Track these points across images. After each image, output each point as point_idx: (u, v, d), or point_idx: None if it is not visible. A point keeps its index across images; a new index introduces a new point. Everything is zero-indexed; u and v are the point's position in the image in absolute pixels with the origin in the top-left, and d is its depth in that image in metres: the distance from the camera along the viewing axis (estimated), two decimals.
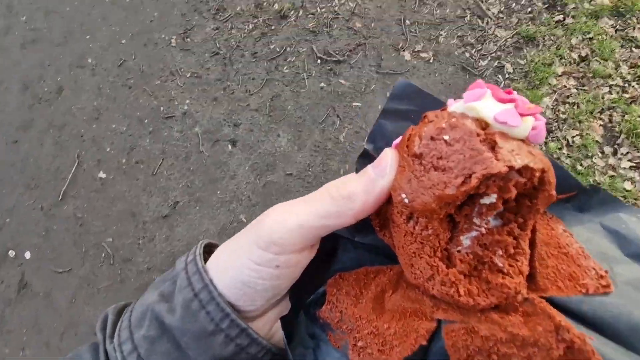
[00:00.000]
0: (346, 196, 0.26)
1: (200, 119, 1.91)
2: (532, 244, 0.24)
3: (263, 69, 2.00)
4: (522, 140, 0.23)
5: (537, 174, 0.21)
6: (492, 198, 0.22)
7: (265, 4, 2.17)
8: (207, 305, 0.27)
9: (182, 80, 2.02)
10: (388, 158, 0.25)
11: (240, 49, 2.07)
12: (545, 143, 1.76)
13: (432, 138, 0.23)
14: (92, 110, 2.02)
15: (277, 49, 2.04)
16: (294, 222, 0.26)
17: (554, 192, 0.22)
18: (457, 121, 0.23)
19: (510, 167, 0.20)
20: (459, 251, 0.24)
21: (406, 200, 0.23)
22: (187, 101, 1.97)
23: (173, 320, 0.27)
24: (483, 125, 0.23)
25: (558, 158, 1.76)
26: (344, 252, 0.32)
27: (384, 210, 0.27)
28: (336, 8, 2.14)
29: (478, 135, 0.21)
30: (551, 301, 0.22)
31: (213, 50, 2.07)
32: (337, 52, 2.02)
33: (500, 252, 0.23)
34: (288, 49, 2.04)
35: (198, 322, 0.27)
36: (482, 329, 0.22)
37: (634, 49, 1.98)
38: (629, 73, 1.89)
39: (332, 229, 0.27)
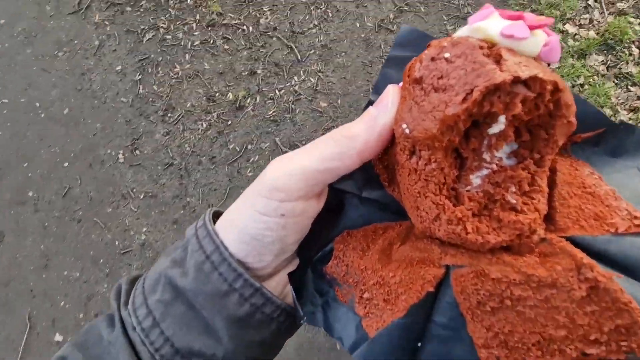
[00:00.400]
0: (348, 136, 0.25)
1: (161, 249, 1.67)
2: (552, 184, 0.23)
3: (224, 176, 1.77)
4: (534, 59, 0.21)
5: (549, 88, 0.19)
6: (500, 125, 0.20)
7: (217, 94, 1.95)
8: (219, 266, 0.27)
9: (136, 203, 1.78)
10: (389, 94, 0.25)
11: (196, 154, 1.84)
12: None
13: (432, 59, 0.22)
14: (40, 256, 1.77)
15: (237, 149, 1.81)
16: (297, 166, 0.25)
17: (573, 119, 0.21)
18: (459, 38, 0.21)
19: (516, 78, 0.19)
20: (468, 190, 0.22)
21: (407, 131, 0.22)
22: (144, 229, 1.73)
23: (186, 283, 0.27)
24: (489, 45, 0.21)
25: None
26: (351, 209, 0.31)
27: (391, 162, 0.27)
28: (296, 87, 1.92)
29: (481, 48, 0.20)
30: (573, 241, 0.20)
31: (166, 161, 1.84)
32: (303, 141, 1.80)
33: (513, 188, 0.22)
34: (249, 146, 1.82)
35: (211, 284, 0.27)
36: (493, 270, 0.21)
37: (630, 88, 1.76)
38: (630, 119, 1.67)
39: (337, 172, 0.26)
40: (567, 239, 0.21)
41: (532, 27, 0.21)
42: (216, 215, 0.30)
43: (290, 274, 0.29)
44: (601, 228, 0.21)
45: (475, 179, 0.22)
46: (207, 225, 0.28)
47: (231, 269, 0.27)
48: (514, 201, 0.21)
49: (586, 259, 0.18)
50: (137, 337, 0.27)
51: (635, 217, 0.20)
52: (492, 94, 0.19)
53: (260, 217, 0.26)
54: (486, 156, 0.22)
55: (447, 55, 0.21)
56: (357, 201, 0.30)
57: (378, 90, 0.28)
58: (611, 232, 0.20)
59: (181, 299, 0.27)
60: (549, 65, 0.23)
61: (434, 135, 0.21)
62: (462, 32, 0.23)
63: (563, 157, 0.25)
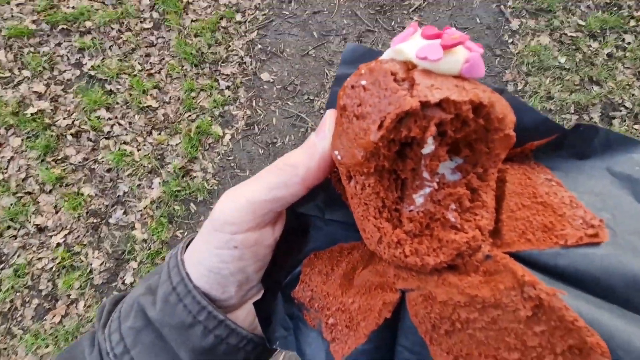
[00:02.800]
0: (290, 164, 0.25)
1: None
2: (501, 196, 0.22)
3: None
4: (457, 77, 0.21)
5: (465, 107, 0.19)
6: (430, 146, 0.20)
7: None
8: (184, 298, 0.27)
9: None
10: (327, 120, 0.25)
11: None
12: None
13: (352, 87, 0.22)
14: None
15: None
16: (243, 198, 0.26)
17: (509, 132, 0.20)
18: (375, 65, 0.22)
19: (425, 102, 0.19)
20: (411, 210, 0.22)
21: (339, 157, 0.22)
22: None
23: (154, 313, 0.28)
24: (410, 66, 0.21)
25: None
26: (316, 231, 0.31)
27: None
28: None
29: (393, 74, 0.20)
30: (518, 256, 0.20)
31: None
32: None
33: (453, 206, 0.21)
34: None
35: (176, 315, 0.27)
36: (439, 293, 0.20)
37: None
38: None
39: (284, 201, 0.26)
40: (512, 254, 0.20)
41: (447, 47, 0.20)
42: None
43: (256, 303, 0.29)
44: (549, 240, 0.20)
45: (418, 198, 0.22)
46: (178, 255, 0.29)
47: (195, 301, 0.27)
48: (453, 219, 0.21)
49: (528, 276, 0.18)
50: None
51: (591, 226, 0.19)
52: (407, 119, 0.19)
53: (215, 250, 0.27)
54: (426, 175, 0.22)
55: (363, 82, 0.21)
56: (322, 223, 0.30)
57: (331, 107, 0.29)
58: (560, 245, 0.19)
59: (151, 327, 0.28)
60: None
61: (360, 162, 0.21)
62: (386, 54, 0.23)
63: (517, 165, 0.24)
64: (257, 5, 2.21)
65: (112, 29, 2.09)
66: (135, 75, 1.99)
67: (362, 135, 0.20)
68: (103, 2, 2.15)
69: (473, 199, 0.21)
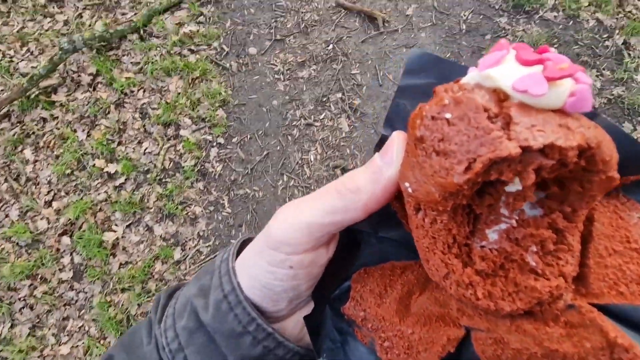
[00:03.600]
0: (353, 189, 0.24)
1: None
2: (588, 237, 0.20)
3: None
4: (559, 111, 0.18)
5: (571, 154, 0.16)
6: (517, 185, 0.18)
7: None
8: (235, 307, 0.28)
9: None
10: (394, 143, 0.24)
11: None
12: None
13: (433, 118, 0.19)
14: None
15: None
16: (301, 220, 0.25)
17: (613, 174, 0.18)
18: (462, 95, 0.19)
19: (526, 148, 0.16)
20: (482, 247, 0.20)
21: (410, 190, 0.21)
22: None
23: (207, 318, 0.28)
24: (502, 97, 0.18)
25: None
26: (367, 247, 0.30)
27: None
28: None
29: (486, 110, 0.18)
30: (607, 310, 0.18)
31: None
32: None
33: (534, 248, 0.19)
34: None
35: (227, 323, 0.28)
36: (513, 340, 0.19)
37: None
38: None
39: (343, 224, 0.25)
40: (601, 307, 0.18)
41: (553, 79, 0.17)
42: (247, 242, 0.31)
43: (306, 317, 0.29)
44: None
45: (492, 234, 0.20)
46: (229, 262, 0.29)
47: (245, 312, 0.28)
48: (534, 263, 0.19)
49: (621, 338, 0.16)
50: (165, 357, 0.29)
51: None
52: (501, 163, 0.17)
53: (269, 267, 0.27)
54: (504, 211, 0.20)
55: (448, 116, 0.19)
56: (374, 239, 0.29)
57: (392, 123, 0.27)
58: None
59: (203, 330, 0.29)
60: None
61: (436, 200, 0.19)
62: (471, 77, 0.21)
63: (606, 201, 0.22)
64: (201, 233, 1.83)
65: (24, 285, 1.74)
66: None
67: (443, 174, 0.18)
68: (17, 243, 1.80)
69: (557, 241, 0.19)
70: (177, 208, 1.84)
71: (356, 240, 0.30)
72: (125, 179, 1.90)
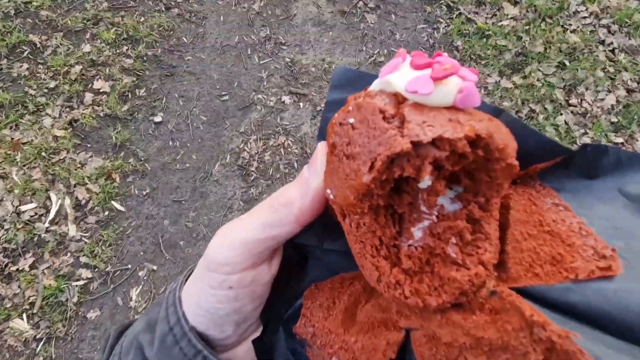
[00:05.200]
0: (284, 203, 0.25)
1: None
2: (505, 225, 0.21)
3: None
4: (451, 108, 0.19)
5: (460, 143, 0.18)
6: (427, 181, 0.19)
7: None
8: (180, 340, 0.27)
9: None
10: (318, 155, 0.24)
11: None
12: None
13: (340, 124, 0.21)
14: None
15: None
16: (236, 237, 0.25)
17: (511, 161, 0.19)
18: (362, 100, 0.20)
19: (417, 142, 0.17)
20: (410, 245, 0.21)
21: (332, 196, 0.21)
22: None
23: (152, 354, 0.27)
24: (400, 99, 0.20)
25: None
26: (315, 261, 0.29)
27: None
28: None
29: (382, 112, 0.19)
30: (525, 292, 0.19)
31: None
32: None
33: (454, 239, 0.20)
34: None
35: (173, 358, 0.27)
36: (443, 334, 0.19)
37: None
38: None
39: (279, 239, 0.26)
40: (520, 290, 0.18)
41: (437, 79, 0.19)
42: None
43: (255, 341, 0.28)
44: (559, 275, 0.18)
45: (417, 232, 0.21)
46: (176, 292, 0.28)
47: (191, 344, 0.26)
48: (454, 255, 0.20)
49: (537, 316, 0.16)
50: None
51: (603, 257, 0.18)
52: (400, 159, 0.18)
53: (210, 290, 0.26)
54: (424, 208, 0.20)
55: (351, 120, 0.20)
56: (320, 253, 0.29)
57: (323, 136, 0.27)
58: (571, 279, 0.18)
59: None
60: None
61: (352, 203, 0.20)
62: (375, 84, 0.22)
63: (522, 189, 0.23)
64: None
65: None
66: None
67: (353, 176, 0.19)
68: None
69: (475, 230, 0.20)
70: None
71: (304, 256, 0.30)
72: None
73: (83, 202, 1.66)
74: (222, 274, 0.25)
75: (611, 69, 1.93)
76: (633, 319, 0.16)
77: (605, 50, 1.98)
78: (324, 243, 0.28)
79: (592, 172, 0.22)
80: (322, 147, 0.24)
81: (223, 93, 1.95)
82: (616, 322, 0.16)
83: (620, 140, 1.78)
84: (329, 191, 0.21)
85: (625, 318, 0.16)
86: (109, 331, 0.33)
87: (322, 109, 0.34)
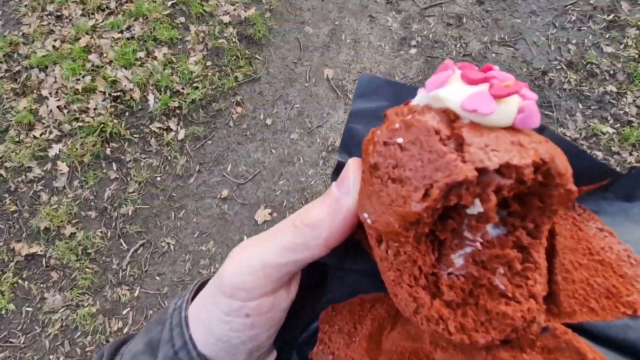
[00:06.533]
0: (310, 224, 0.22)
1: None
2: (552, 252, 0.20)
3: None
4: (509, 128, 0.18)
5: (527, 170, 0.16)
6: (478, 207, 0.17)
7: None
8: None
9: None
10: (350, 172, 0.22)
11: None
12: None
13: (385, 143, 0.19)
14: None
15: None
16: (256, 261, 0.23)
17: (571, 187, 0.17)
18: (412, 118, 0.18)
19: (482, 169, 0.16)
20: (449, 274, 0.19)
21: (369, 221, 0.19)
22: None
23: None
24: (452, 117, 0.18)
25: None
26: (334, 281, 0.28)
27: None
28: None
29: (437, 133, 0.17)
30: (582, 329, 0.17)
31: None
32: None
33: (501, 270, 0.18)
34: None
35: None
36: None
37: None
38: None
39: (302, 263, 0.23)
40: (574, 327, 0.17)
41: (500, 97, 0.17)
42: (204, 285, 0.27)
43: None
44: (616, 310, 0.17)
45: (458, 259, 0.19)
46: (182, 311, 0.26)
47: None
48: (502, 286, 0.18)
49: (599, 359, 0.15)
50: None
51: None
52: (458, 187, 0.16)
53: (224, 317, 0.24)
54: (468, 234, 0.19)
55: (400, 140, 0.18)
56: (340, 272, 0.27)
57: (348, 149, 0.26)
58: (628, 315, 0.17)
59: None
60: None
61: (397, 231, 0.18)
62: (420, 98, 0.20)
63: (564, 213, 0.21)
64: None
65: None
66: None
67: (400, 202, 0.17)
68: None
69: (523, 259, 0.18)
70: None
71: (321, 275, 0.28)
72: None
73: None
74: (239, 300, 0.23)
75: None
76: None
77: None
78: (344, 262, 0.26)
79: (632, 194, 0.21)
80: (355, 165, 0.22)
81: None
82: None
83: None
84: (366, 215, 0.19)
85: None
86: (102, 348, 0.30)
87: (347, 120, 0.27)
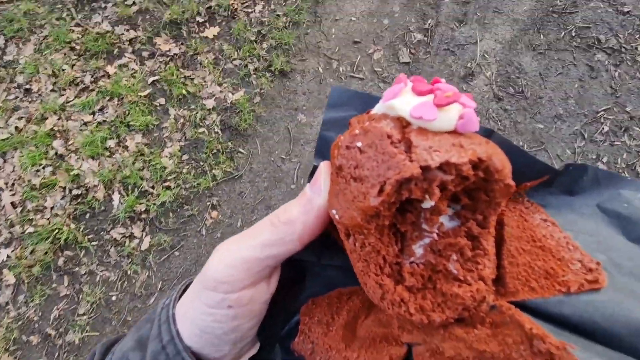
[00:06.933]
0: (286, 221, 0.25)
1: None
2: (501, 240, 0.22)
3: None
4: (452, 132, 0.20)
5: (466, 168, 0.19)
6: (430, 201, 0.20)
7: None
8: (173, 359, 0.26)
9: None
10: (322, 173, 0.25)
11: None
12: None
13: (347, 147, 0.22)
14: None
15: None
16: (237, 256, 0.25)
17: (509, 181, 0.20)
18: (369, 125, 0.21)
19: (426, 167, 0.18)
20: (411, 262, 0.22)
21: (337, 217, 0.22)
22: None
23: None
24: (404, 124, 0.21)
25: None
26: (313, 277, 0.30)
27: None
28: None
29: (389, 137, 0.20)
30: (523, 306, 0.20)
31: None
32: None
33: (454, 256, 0.21)
34: None
35: None
36: (447, 348, 0.20)
37: None
38: None
39: (280, 257, 0.26)
40: (518, 304, 0.19)
41: (441, 105, 0.20)
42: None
43: (252, 359, 0.28)
44: (552, 288, 0.20)
45: (418, 249, 0.21)
46: (170, 309, 0.28)
47: None
48: (455, 271, 0.20)
49: (536, 329, 0.17)
50: None
51: (590, 270, 0.19)
52: (408, 182, 0.19)
53: (207, 309, 0.25)
54: (425, 226, 0.21)
55: (359, 144, 0.21)
56: (318, 268, 0.29)
57: (322, 154, 0.29)
58: (563, 292, 0.19)
59: None
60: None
61: (359, 224, 0.20)
62: (378, 108, 0.23)
63: (512, 205, 0.24)
64: None
65: None
66: None
67: (361, 198, 0.20)
68: None
69: (474, 246, 0.21)
70: None
71: (301, 271, 0.30)
72: None
73: None
74: (221, 293, 0.25)
75: None
76: (620, 329, 0.18)
77: None
78: (321, 258, 0.28)
79: (573, 189, 0.24)
80: (325, 167, 0.25)
81: None
82: (606, 332, 0.18)
83: None
84: (334, 211, 0.22)
85: (614, 328, 0.18)
86: (94, 348, 0.29)
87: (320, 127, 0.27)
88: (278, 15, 2.25)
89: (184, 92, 2.02)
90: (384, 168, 0.19)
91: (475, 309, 0.19)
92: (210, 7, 2.26)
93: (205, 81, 2.08)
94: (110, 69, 2.07)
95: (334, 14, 2.29)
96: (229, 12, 2.25)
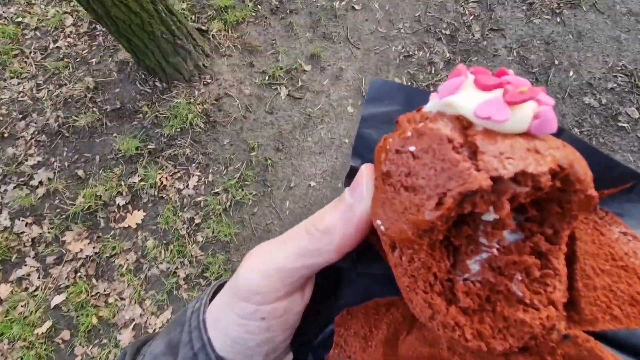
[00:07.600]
0: (323, 230, 0.23)
1: None
2: (572, 258, 0.19)
3: None
4: (524, 135, 0.17)
5: (544, 178, 0.16)
6: (493, 214, 0.17)
7: None
8: None
9: None
10: (363, 178, 0.23)
11: None
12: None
13: (397, 151, 0.19)
14: None
15: None
16: (271, 266, 0.24)
17: (592, 192, 0.17)
18: (424, 127, 0.18)
19: (497, 178, 0.16)
20: (465, 280, 0.19)
21: (383, 228, 0.20)
22: None
23: None
24: (465, 124, 0.18)
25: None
26: (349, 285, 0.28)
27: None
28: None
29: (450, 141, 0.17)
30: (604, 337, 0.18)
31: None
32: None
33: (519, 276, 0.18)
34: None
35: None
36: None
37: None
38: None
39: (316, 267, 0.24)
40: (597, 334, 0.17)
41: (514, 103, 0.17)
42: (222, 288, 0.28)
43: None
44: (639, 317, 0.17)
45: (473, 265, 0.19)
46: (200, 314, 0.27)
47: None
48: (520, 293, 0.18)
49: None
50: None
51: None
52: (472, 195, 0.16)
53: (239, 320, 0.25)
54: (483, 240, 0.19)
55: (412, 149, 0.18)
56: (354, 276, 0.27)
57: (360, 153, 0.26)
58: None
59: None
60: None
61: (410, 239, 0.18)
62: (432, 105, 0.20)
63: (584, 216, 0.21)
64: None
65: None
66: None
67: (413, 210, 0.17)
68: None
69: (542, 265, 0.18)
70: None
71: (335, 279, 0.28)
72: None
73: None
74: (254, 304, 0.24)
75: None
76: None
77: None
78: (357, 265, 0.26)
79: None
80: (367, 171, 0.22)
81: None
82: None
83: None
84: (379, 222, 0.20)
85: None
86: (125, 348, 0.29)
87: (358, 124, 0.23)
88: (217, 192, 1.80)
89: (94, 321, 1.58)
90: (443, 178, 0.16)
91: (543, 337, 0.17)
92: (133, 185, 1.83)
93: (122, 298, 1.64)
94: (4, 288, 1.64)
95: (287, 179, 1.84)
96: (157, 190, 1.81)
